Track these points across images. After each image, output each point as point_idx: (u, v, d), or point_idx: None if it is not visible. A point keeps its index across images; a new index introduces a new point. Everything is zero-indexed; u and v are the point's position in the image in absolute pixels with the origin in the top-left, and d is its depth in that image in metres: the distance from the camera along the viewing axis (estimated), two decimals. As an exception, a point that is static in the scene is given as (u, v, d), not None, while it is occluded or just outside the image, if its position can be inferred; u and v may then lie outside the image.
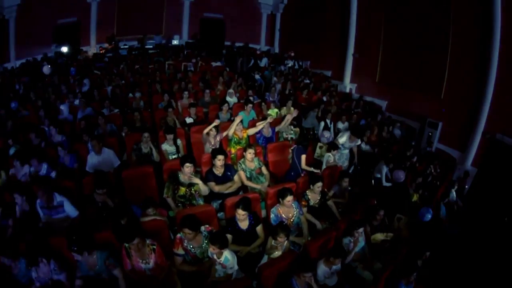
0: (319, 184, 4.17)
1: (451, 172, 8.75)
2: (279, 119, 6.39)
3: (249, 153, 4.33)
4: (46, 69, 10.50)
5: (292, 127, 6.26)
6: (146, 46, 13.51)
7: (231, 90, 7.86)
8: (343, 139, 5.82)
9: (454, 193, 7.77)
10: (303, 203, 4.20)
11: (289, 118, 5.88)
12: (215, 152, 4.01)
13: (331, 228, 4.06)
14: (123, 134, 5.43)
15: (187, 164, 3.75)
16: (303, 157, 5.02)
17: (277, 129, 5.79)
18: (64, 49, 12.05)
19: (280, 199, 3.77)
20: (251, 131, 5.42)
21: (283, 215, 3.84)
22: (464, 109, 8.44)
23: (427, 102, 9.24)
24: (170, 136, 4.83)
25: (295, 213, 3.91)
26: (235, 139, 5.21)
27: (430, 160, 8.23)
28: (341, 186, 4.85)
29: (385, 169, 6.35)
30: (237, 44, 14.37)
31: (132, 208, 3.66)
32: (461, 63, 8.42)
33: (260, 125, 5.46)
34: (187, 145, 5.44)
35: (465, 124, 8.41)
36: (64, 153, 4.73)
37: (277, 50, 15.66)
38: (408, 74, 9.64)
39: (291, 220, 3.89)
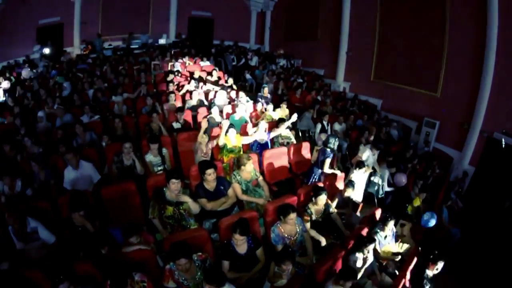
0: (323, 196, 3.76)
1: (449, 172, 8.55)
2: (274, 122, 5.93)
3: (249, 166, 3.85)
4: (26, 72, 9.81)
5: (288, 130, 5.79)
6: (132, 46, 12.86)
7: (221, 91, 7.30)
8: (365, 154, 5.33)
9: (453, 194, 7.56)
10: (306, 218, 3.78)
11: (286, 124, 5.40)
12: (203, 167, 3.50)
13: (337, 245, 3.71)
14: (103, 144, 4.84)
15: (173, 181, 3.26)
16: (327, 160, 4.62)
17: (272, 134, 5.31)
18: (46, 51, 11.30)
19: (282, 217, 3.33)
20: (246, 140, 4.92)
21: (285, 234, 3.39)
22: (462, 107, 8.23)
23: (424, 100, 8.98)
24: (154, 146, 4.29)
25: (298, 230, 3.48)
26: (228, 147, 4.70)
27: (429, 161, 7.97)
28: (344, 196, 4.46)
29: (387, 174, 5.99)
30: (227, 43, 13.83)
31: (114, 234, 3.15)
32: (458, 61, 8.19)
33: (254, 134, 4.98)
34: (174, 154, 4.90)
35: (463, 123, 8.20)
36: (38, 168, 4.14)
37: (267, 49, 15.20)
38: (404, 72, 9.33)
39: (294, 238, 3.45)
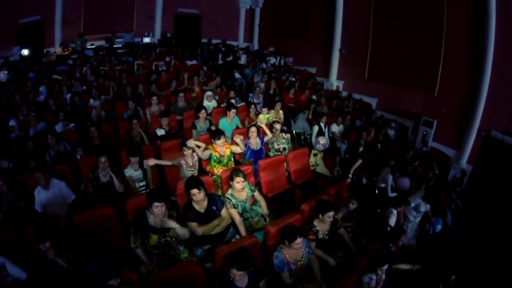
0: (331, 213, 3.30)
1: (447, 171, 8.29)
2: (267, 126, 5.43)
3: (237, 183, 3.33)
4: (3, 75, 9.01)
5: (283, 134, 5.24)
6: (115, 46, 12.13)
7: (209, 93, 6.66)
8: (416, 201, 4.70)
9: (454, 195, 7.29)
10: (311, 237, 3.33)
11: (278, 127, 4.91)
12: (187, 186, 2.97)
13: (347, 264, 3.27)
14: (78, 157, 4.23)
15: (156, 204, 2.72)
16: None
17: (266, 139, 4.79)
18: (25, 52, 10.50)
19: (287, 242, 2.85)
20: (235, 149, 4.30)
21: (290, 259, 2.92)
22: (459, 106, 8.00)
23: (420, 99, 8.67)
24: (134, 159, 3.75)
25: (304, 253, 3.01)
26: (215, 157, 4.13)
27: (428, 161, 7.64)
28: (349, 208, 4.04)
29: (390, 178, 5.60)
30: (214, 41, 13.23)
31: (90, 268, 2.61)
32: (455, 58, 7.91)
33: (238, 143, 4.30)
34: (158, 167, 4.25)
35: (460, 122, 7.98)
36: (5, 187, 3.51)
37: (256, 47, 14.67)
38: (400, 70, 8.96)
39: (301, 263, 2.99)
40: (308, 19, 11.67)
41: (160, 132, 4.93)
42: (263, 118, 6.01)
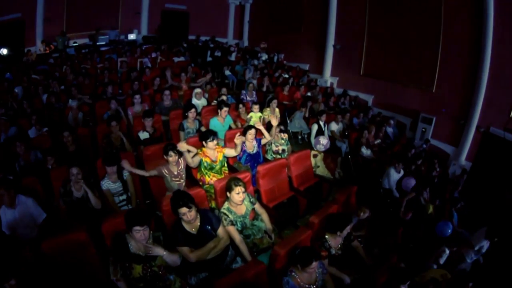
0: (348, 228, 2.86)
1: (447, 169, 7.98)
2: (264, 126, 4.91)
3: (237, 194, 2.80)
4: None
5: (282, 134, 4.69)
6: (98, 43, 11.38)
7: (198, 90, 6.04)
8: (480, 243, 4.24)
9: (457, 193, 7.00)
10: (323, 253, 2.84)
11: (275, 128, 4.35)
12: (173, 204, 2.44)
13: (363, 281, 2.86)
14: (50, 168, 3.60)
15: (137, 228, 2.17)
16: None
17: (264, 141, 4.25)
18: (4, 51, 9.70)
19: (299, 266, 2.36)
20: (229, 152, 3.74)
21: (302, 283, 2.43)
22: (457, 102, 7.74)
23: (418, 96, 8.34)
24: (111, 169, 3.17)
25: (318, 275, 2.54)
26: (206, 163, 3.56)
27: (429, 159, 7.30)
28: (360, 217, 3.58)
29: (394, 176, 5.19)
30: (203, 38, 12.60)
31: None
32: (454, 54, 7.61)
33: (238, 145, 3.72)
34: (140, 176, 3.65)
35: (459, 118, 7.73)
36: None
37: (246, 44, 14.10)
38: (396, 66, 8.58)
39: (314, 287, 2.50)
40: (300, 14, 11.15)
41: (144, 135, 4.29)
42: (255, 117, 5.47)
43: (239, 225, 2.89)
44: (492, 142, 7.37)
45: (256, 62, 10.44)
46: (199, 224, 2.54)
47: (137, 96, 5.22)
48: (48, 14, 10.86)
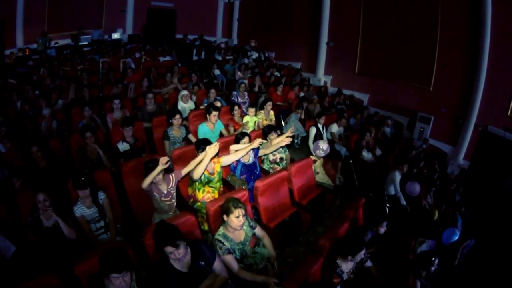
0: (363, 252, 2.42)
1: (445, 169, 7.66)
2: (257, 132, 4.38)
3: (236, 217, 2.28)
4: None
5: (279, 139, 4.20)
6: (81, 43, 10.62)
7: (184, 92, 5.36)
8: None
9: (458, 195, 6.67)
10: (335, 280, 2.44)
11: (281, 140, 3.66)
12: (158, 242, 1.96)
13: None
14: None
15: (115, 276, 1.67)
16: None
17: (261, 152, 3.67)
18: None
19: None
20: (227, 159, 3.20)
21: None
22: (455, 101, 7.52)
23: (416, 94, 8.00)
24: (83, 192, 2.59)
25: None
26: (203, 176, 2.99)
27: (429, 159, 6.94)
28: (379, 231, 3.21)
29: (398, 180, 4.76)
30: (191, 37, 11.97)
31: None
32: (451, 51, 7.36)
33: (244, 149, 3.22)
34: (120, 197, 3.11)
35: (457, 117, 7.51)
36: None
37: (235, 42, 13.51)
38: (393, 64, 8.22)
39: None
40: (292, 11, 10.64)
41: (124, 146, 3.61)
42: (250, 120, 4.93)
43: (237, 253, 2.36)
44: (490, 141, 7.20)
45: (246, 60, 9.89)
46: (190, 259, 2.03)
47: (116, 101, 4.48)
48: (29, 14, 10.07)
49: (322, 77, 9.87)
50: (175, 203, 2.88)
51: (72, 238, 2.53)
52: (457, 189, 6.51)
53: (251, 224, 2.52)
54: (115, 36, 11.04)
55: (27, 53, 9.82)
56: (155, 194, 2.73)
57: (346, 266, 2.55)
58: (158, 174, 2.64)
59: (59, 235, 2.52)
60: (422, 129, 7.69)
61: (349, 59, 9.13)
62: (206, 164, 2.78)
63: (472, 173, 7.57)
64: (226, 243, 2.31)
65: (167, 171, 2.81)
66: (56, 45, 10.49)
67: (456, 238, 4.37)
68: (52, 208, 2.45)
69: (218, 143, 2.86)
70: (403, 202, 4.67)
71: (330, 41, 9.41)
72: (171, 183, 2.83)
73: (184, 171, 2.88)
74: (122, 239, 2.75)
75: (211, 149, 2.77)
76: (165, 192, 2.78)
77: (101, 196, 2.72)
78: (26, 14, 10.03)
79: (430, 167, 6.58)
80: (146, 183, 2.59)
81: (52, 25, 10.64)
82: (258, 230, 2.57)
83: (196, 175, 2.81)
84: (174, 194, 2.87)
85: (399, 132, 8.07)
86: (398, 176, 4.76)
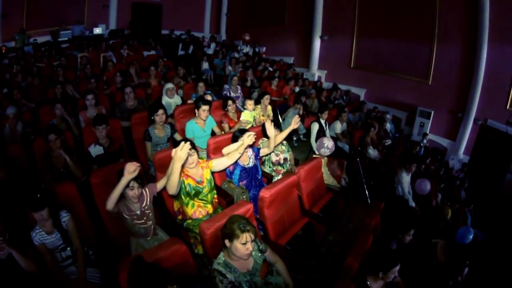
0: (396, 268, 1.90)
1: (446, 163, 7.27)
2: (258, 128, 3.70)
3: (242, 244, 1.67)
4: None
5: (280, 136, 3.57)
6: (60, 39, 9.73)
7: (169, 85, 4.61)
8: None
9: (463, 191, 6.27)
10: None
11: (285, 134, 3.14)
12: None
13: None
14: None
15: None
16: None
17: (262, 152, 3.04)
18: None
19: None
20: (219, 163, 2.57)
21: None
22: (454, 95, 7.17)
23: (414, 88, 7.55)
24: (40, 215, 1.90)
25: None
26: (188, 187, 2.35)
27: (432, 155, 6.50)
28: (406, 240, 2.78)
29: (407, 181, 4.25)
30: (177, 32, 11.20)
31: None
32: (450, 44, 7.02)
33: (235, 150, 2.59)
34: (92, 218, 2.40)
35: (456, 111, 7.18)
36: None
37: (224, 38, 12.80)
38: (390, 58, 7.79)
39: None
40: (284, 4, 10.00)
41: (96, 150, 2.89)
42: (249, 116, 4.29)
43: (245, 286, 1.76)
44: (490, 135, 6.93)
45: (236, 54, 9.23)
46: None
47: (89, 97, 3.69)
48: (6, 9, 9.19)
49: (316, 72, 9.32)
50: (152, 226, 2.20)
51: (33, 272, 1.86)
52: (462, 185, 6.08)
53: (260, 247, 1.89)
54: (97, 31, 10.19)
55: (4, 51, 8.97)
56: (126, 216, 2.05)
57: (377, 285, 2.01)
58: (129, 187, 1.98)
59: (14, 269, 1.83)
60: (422, 124, 7.26)
61: (344, 53, 8.60)
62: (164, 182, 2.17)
63: (472, 168, 7.24)
64: (228, 275, 1.68)
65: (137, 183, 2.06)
66: (35, 41, 9.60)
67: (471, 237, 3.98)
68: (4, 238, 1.78)
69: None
70: (412, 203, 4.16)
71: (324, 35, 8.83)
72: (145, 201, 2.14)
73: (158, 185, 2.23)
74: (95, 272, 2.09)
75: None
76: (138, 212, 2.10)
77: (64, 217, 2.02)
78: (3, 9, 9.16)
79: (435, 163, 6.15)
80: (110, 202, 1.92)
81: (31, 21, 9.77)
82: (270, 254, 1.95)
83: (172, 188, 2.11)
84: (151, 214, 2.18)
85: (398, 127, 7.63)
86: (406, 177, 4.24)
